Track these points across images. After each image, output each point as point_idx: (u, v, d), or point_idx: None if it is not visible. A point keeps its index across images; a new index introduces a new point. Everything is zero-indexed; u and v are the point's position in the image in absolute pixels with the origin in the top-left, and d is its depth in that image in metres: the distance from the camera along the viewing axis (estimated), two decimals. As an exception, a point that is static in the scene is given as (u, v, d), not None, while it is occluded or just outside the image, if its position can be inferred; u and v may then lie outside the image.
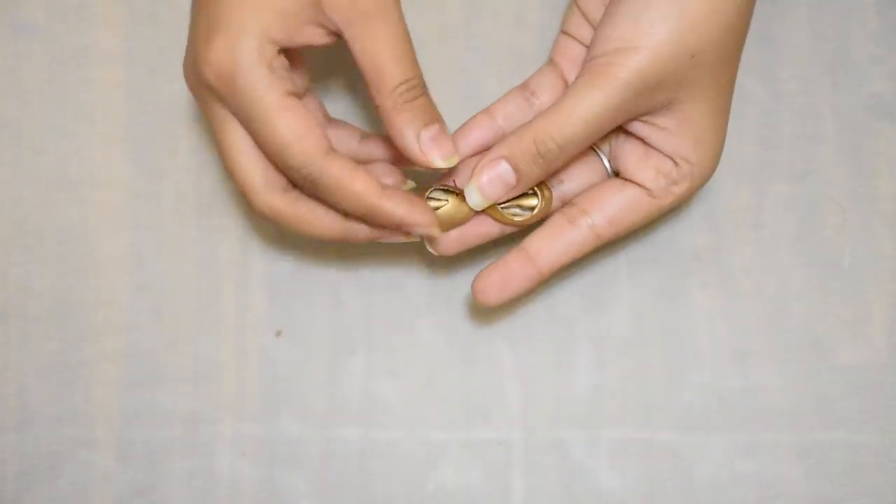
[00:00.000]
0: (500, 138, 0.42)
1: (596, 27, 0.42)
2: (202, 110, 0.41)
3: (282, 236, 0.49)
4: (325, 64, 0.49)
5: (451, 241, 0.43)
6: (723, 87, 0.41)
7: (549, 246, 0.42)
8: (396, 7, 0.39)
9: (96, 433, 0.48)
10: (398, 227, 0.41)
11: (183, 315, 0.48)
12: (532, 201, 0.43)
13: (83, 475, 0.48)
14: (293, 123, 0.38)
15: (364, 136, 0.44)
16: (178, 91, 0.49)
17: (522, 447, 0.48)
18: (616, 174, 0.43)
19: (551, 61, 0.45)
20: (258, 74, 0.38)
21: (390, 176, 0.44)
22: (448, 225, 0.42)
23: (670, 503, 0.48)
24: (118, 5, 0.49)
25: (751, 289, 0.48)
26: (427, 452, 0.48)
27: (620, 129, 0.42)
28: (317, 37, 0.39)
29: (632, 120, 0.41)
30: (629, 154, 0.42)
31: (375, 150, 0.44)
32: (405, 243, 0.43)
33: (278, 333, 0.49)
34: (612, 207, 0.42)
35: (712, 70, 0.40)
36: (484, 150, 0.43)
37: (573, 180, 0.44)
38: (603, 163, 0.44)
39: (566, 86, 0.44)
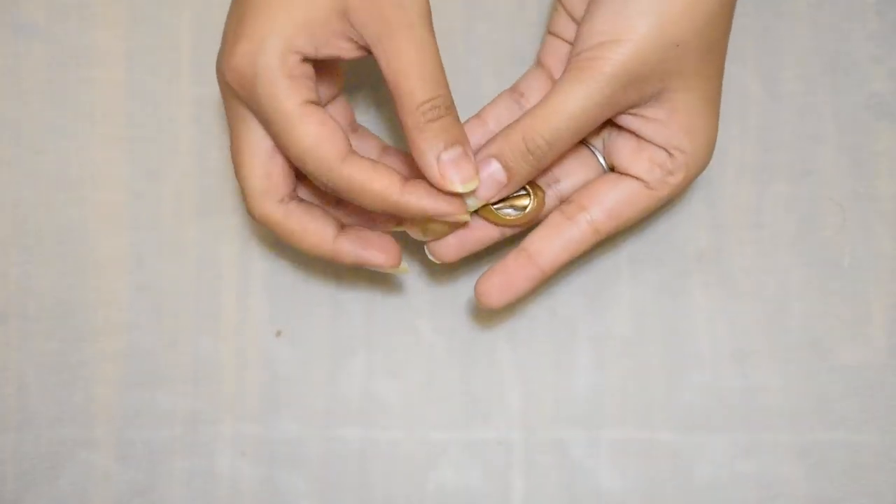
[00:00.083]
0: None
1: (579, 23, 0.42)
2: (225, 108, 0.42)
3: (282, 236, 0.49)
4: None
5: (451, 248, 0.43)
6: (710, 75, 0.41)
7: (549, 244, 0.42)
8: (425, 25, 0.38)
9: (96, 433, 0.48)
10: (429, 219, 0.41)
11: (183, 315, 0.48)
12: (524, 201, 0.43)
13: (83, 475, 0.48)
14: (310, 131, 0.39)
15: (385, 149, 0.45)
16: (178, 91, 0.49)
17: (522, 447, 0.48)
18: (611, 169, 0.43)
19: (539, 62, 0.45)
20: (277, 83, 0.39)
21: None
22: (445, 230, 0.42)
23: (670, 503, 0.48)
24: (118, 5, 0.49)
25: (751, 289, 0.48)
26: (427, 452, 0.48)
27: (612, 124, 0.42)
28: (345, 50, 0.40)
29: (621, 113, 0.41)
30: (622, 147, 0.42)
31: (394, 164, 0.44)
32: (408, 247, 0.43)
33: (278, 333, 0.49)
34: (609, 201, 0.42)
35: (698, 59, 0.40)
36: None
37: (569, 178, 0.44)
38: (597, 158, 0.44)
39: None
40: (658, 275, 0.49)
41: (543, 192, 0.43)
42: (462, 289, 0.49)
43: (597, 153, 0.44)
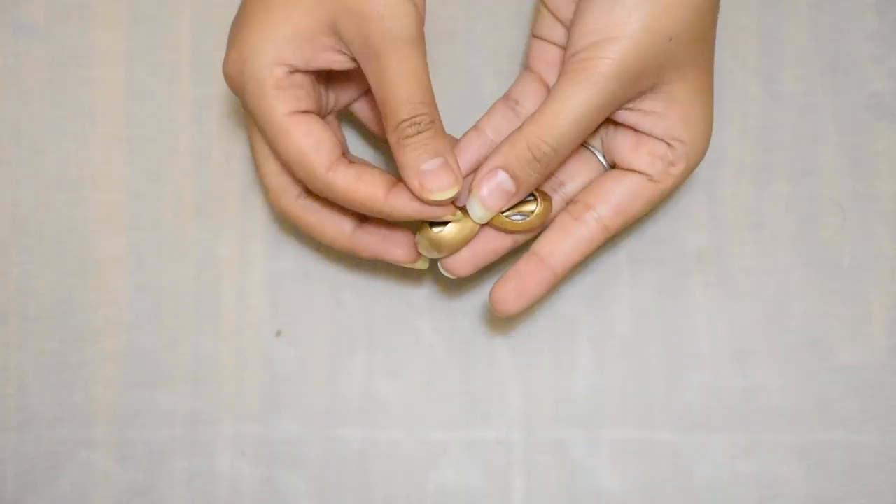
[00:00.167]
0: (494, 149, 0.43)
1: (569, 25, 0.42)
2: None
3: (282, 236, 0.49)
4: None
5: (464, 261, 0.43)
6: (702, 65, 0.41)
7: (559, 246, 0.42)
8: (412, 43, 0.38)
9: (96, 433, 0.48)
10: (420, 219, 0.41)
11: (183, 315, 0.48)
12: (532, 206, 0.42)
13: (83, 475, 0.48)
14: (294, 142, 0.40)
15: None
16: (178, 91, 0.49)
17: (522, 447, 0.48)
18: (612, 166, 0.43)
19: (528, 68, 0.45)
20: (263, 93, 0.40)
21: None
22: (457, 244, 0.42)
23: (670, 503, 0.48)
24: (118, 5, 0.49)
25: (751, 289, 0.48)
26: (427, 452, 0.48)
27: (609, 121, 0.43)
28: (337, 62, 0.40)
29: (618, 109, 0.41)
30: (622, 144, 0.42)
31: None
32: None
33: (278, 333, 0.49)
34: (615, 197, 0.42)
35: (690, 50, 0.40)
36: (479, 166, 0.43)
37: (573, 180, 0.44)
38: (598, 158, 0.44)
39: (548, 90, 0.44)
40: (658, 275, 0.49)
41: (550, 197, 0.43)
42: (462, 289, 0.49)
43: (596, 153, 0.44)
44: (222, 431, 0.48)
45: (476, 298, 0.49)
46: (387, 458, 0.48)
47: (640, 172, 0.42)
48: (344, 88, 0.44)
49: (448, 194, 0.40)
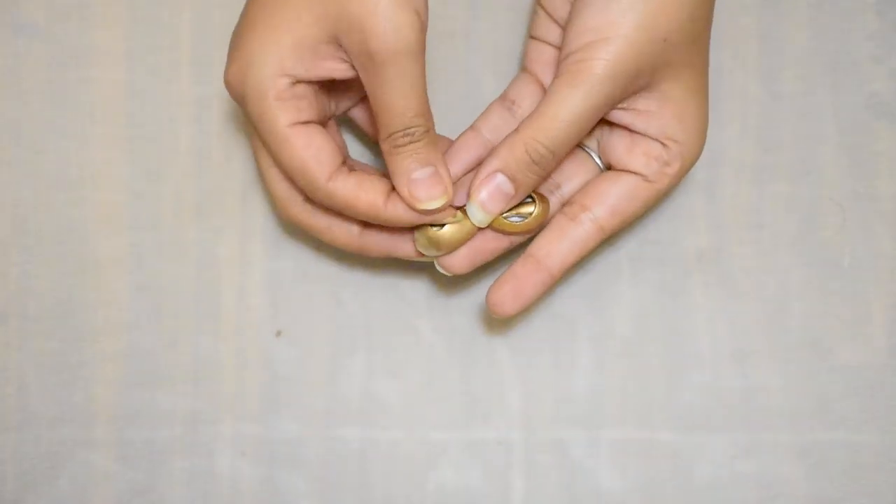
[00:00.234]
0: (491, 151, 0.43)
1: (564, 25, 0.42)
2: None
3: (282, 236, 0.49)
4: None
5: (462, 260, 0.43)
6: (697, 65, 0.41)
7: (556, 247, 0.42)
8: (409, 56, 0.38)
9: (96, 433, 0.48)
10: (419, 224, 0.42)
11: (183, 315, 0.48)
12: (529, 208, 0.43)
13: (83, 475, 0.48)
14: (295, 154, 0.40)
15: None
16: (178, 91, 0.49)
17: (522, 447, 0.48)
18: (608, 168, 0.44)
19: (525, 69, 0.45)
20: (264, 104, 0.40)
21: None
22: (455, 243, 0.42)
23: (670, 503, 0.48)
24: (118, 5, 0.49)
25: (751, 289, 0.48)
26: (427, 452, 0.48)
27: (604, 122, 0.43)
28: (339, 71, 0.40)
29: (613, 109, 0.41)
30: (617, 145, 0.43)
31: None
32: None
33: (278, 333, 0.49)
34: (611, 198, 0.42)
35: (685, 50, 0.40)
36: (477, 166, 0.43)
37: (569, 182, 0.44)
38: (593, 159, 0.44)
39: (544, 90, 0.44)
40: (658, 275, 0.49)
41: (547, 199, 0.43)
42: (462, 289, 0.49)
43: (592, 154, 0.44)
44: (222, 431, 0.48)
45: (476, 298, 0.49)
46: (387, 458, 0.48)
47: (635, 173, 0.42)
48: (344, 94, 0.44)
49: (436, 204, 0.40)
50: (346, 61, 0.40)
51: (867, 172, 0.49)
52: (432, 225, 0.42)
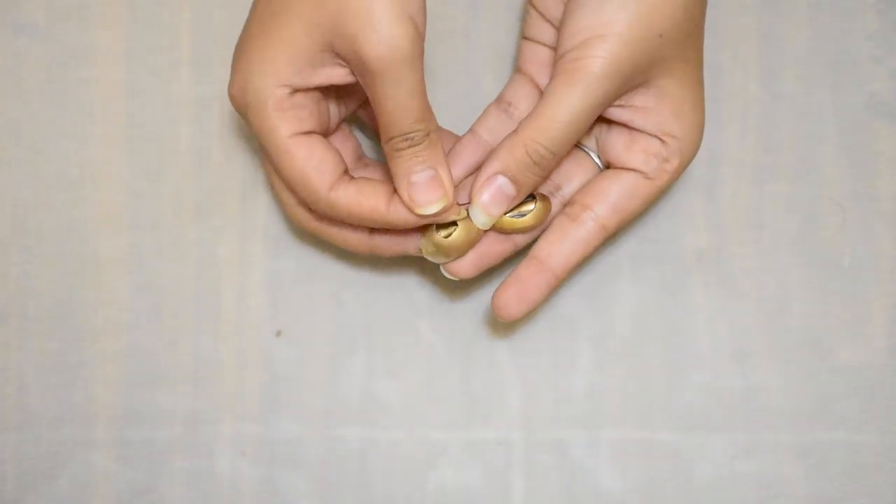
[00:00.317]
0: (490, 153, 0.43)
1: (558, 25, 0.42)
2: None
3: (282, 236, 0.49)
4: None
5: (468, 265, 0.43)
6: (692, 60, 0.42)
7: (558, 247, 0.42)
8: (407, 64, 0.38)
9: (96, 433, 0.48)
10: (426, 230, 0.42)
11: (183, 315, 0.48)
12: (529, 206, 0.43)
13: (83, 475, 0.48)
14: (296, 165, 0.40)
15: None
16: (178, 91, 0.49)
17: (522, 447, 0.48)
18: (607, 166, 0.44)
19: (519, 70, 0.45)
20: (265, 116, 0.40)
21: None
22: (462, 248, 0.42)
23: (670, 503, 0.48)
24: (118, 5, 0.49)
25: (751, 289, 0.48)
26: (427, 452, 0.48)
27: (602, 120, 0.43)
28: (338, 77, 0.40)
29: (611, 106, 0.41)
30: (615, 143, 0.43)
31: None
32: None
33: (278, 333, 0.49)
34: (612, 197, 0.42)
35: (680, 46, 0.40)
36: (477, 169, 0.43)
37: (569, 182, 0.44)
38: (592, 159, 0.44)
39: (539, 91, 0.44)
40: (658, 274, 0.49)
41: (548, 196, 0.43)
42: (462, 289, 0.49)
43: (591, 153, 0.44)
44: (222, 431, 0.48)
45: (476, 299, 0.49)
46: (387, 458, 0.48)
47: (635, 170, 0.42)
48: (350, 95, 0.44)
49: (436, 208, 0.40)
50: (344, 66, 0.40)
51: (867, 172, 0.49)
52: (438, 231, 0.42)
